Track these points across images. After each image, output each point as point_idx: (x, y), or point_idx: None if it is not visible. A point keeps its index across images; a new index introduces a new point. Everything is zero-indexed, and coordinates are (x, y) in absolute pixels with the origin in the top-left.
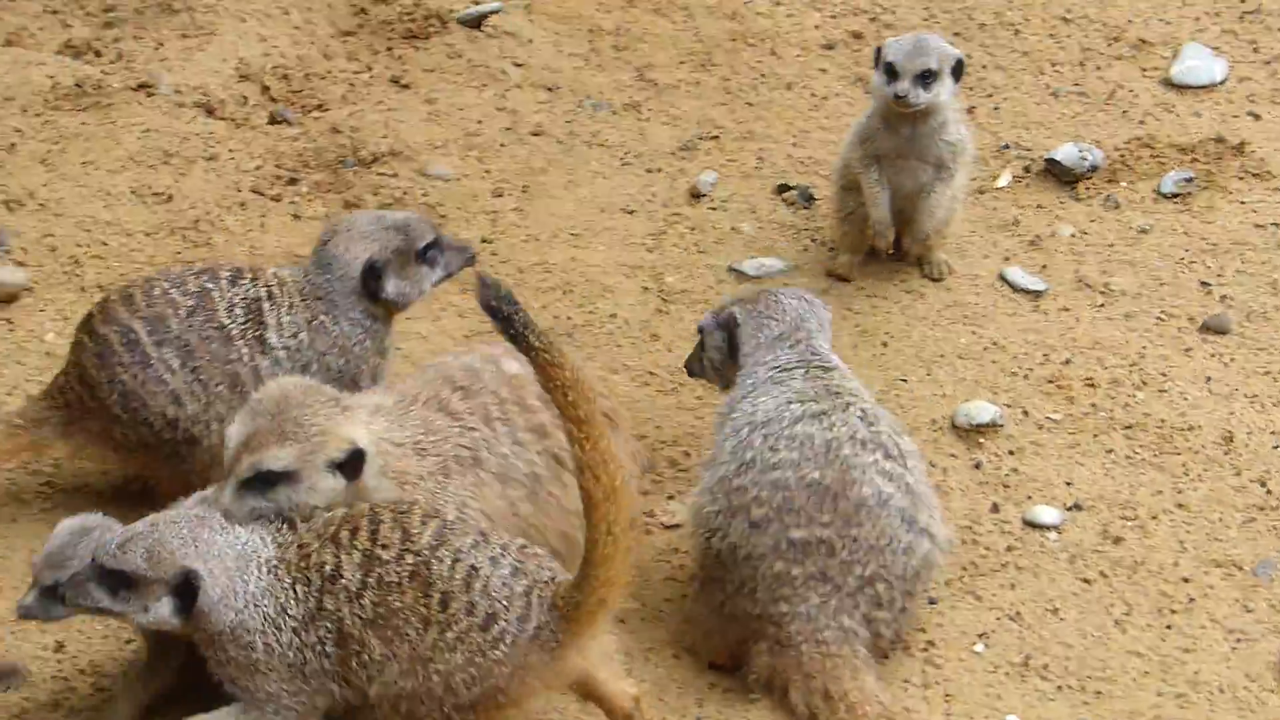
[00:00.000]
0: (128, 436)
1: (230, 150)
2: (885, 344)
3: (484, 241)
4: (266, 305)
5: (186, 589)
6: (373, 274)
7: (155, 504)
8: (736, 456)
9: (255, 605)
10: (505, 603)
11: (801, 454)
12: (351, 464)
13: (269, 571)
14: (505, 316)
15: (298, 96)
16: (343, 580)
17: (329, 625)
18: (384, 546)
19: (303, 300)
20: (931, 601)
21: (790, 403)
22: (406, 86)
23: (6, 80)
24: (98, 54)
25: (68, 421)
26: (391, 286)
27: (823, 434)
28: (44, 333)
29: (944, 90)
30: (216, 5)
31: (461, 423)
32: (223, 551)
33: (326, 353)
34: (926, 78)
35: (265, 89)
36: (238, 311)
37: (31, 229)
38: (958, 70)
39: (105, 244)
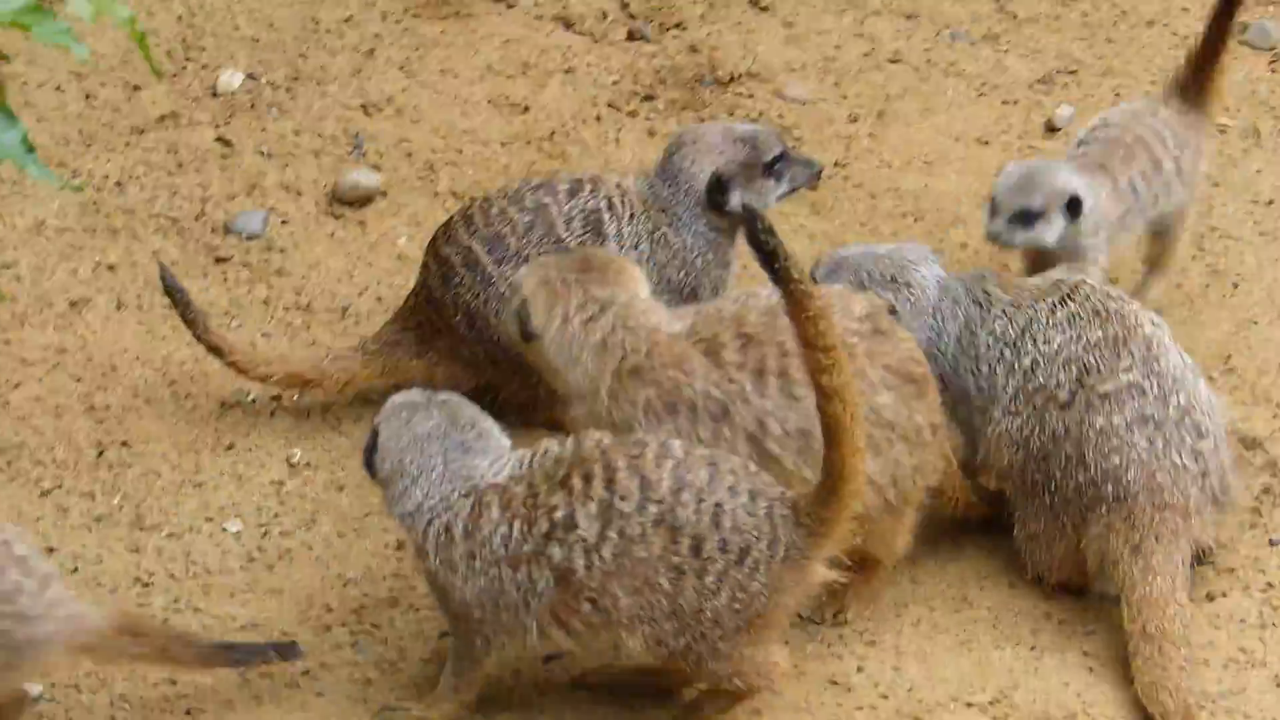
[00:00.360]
0: (475, 353)
1: (588, 64)
2: (1236, 285)
3: (836, 165)
4: (606, 216)
5: None
6: (719, 187)
7: (501, 416)
8: (1014, 371)
9: (464, 523)
10: (754, 532)
11: (1074, 328)
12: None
13: (476, 494)
14: (770, 249)
15: (656, 14)
16: (578, 531)
17: (550, 573)
18: (623, 498)
19: (645, 211)
20: (1272, 543)
21: (1034, 303)
22: (765, 8)
23: None
24: None
25: (420, 341)
26: (737, 199)
27: (1080, 306)
28: (396, 236)
29: (1051, 232)
30: None
31: (724, 372)
32: (435, 462)
33: (667, 264)
34: (1028, 219)
35: (624, 5)
36: (575, 225)
37: (388, 134)
38: (1074, 207)
39: (460, 151)
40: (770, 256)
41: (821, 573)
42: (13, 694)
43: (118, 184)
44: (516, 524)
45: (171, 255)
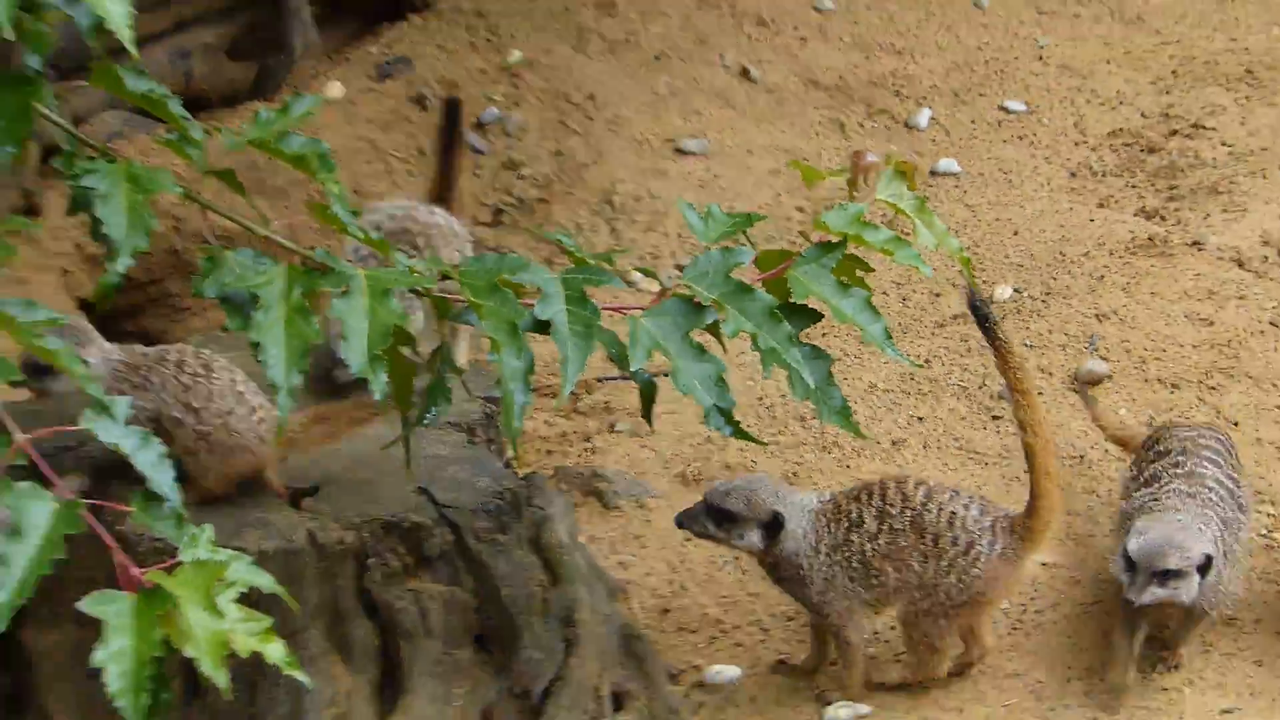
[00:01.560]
0: None
1: (1254, 293)
2: None
3: None
4: None
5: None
6: None
7: None
8: None
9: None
10: (978, 533)
11: None
12: None
13: (812, 516)
14: (985, 315)
15: None
16: (864, 526)
17: (854, 554)
18: (890, 505)
19: None
20: None
21: None
22: None
23: (1099, 231)
24: (1163, 218)
25: None
26: None
27: None
28: (1119, 408)
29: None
30: (1249, 191)
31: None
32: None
33: None
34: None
35: None
36: None
37: (1113, 335)
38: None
39: (1164, 350)
40: (985, 319)
41: (1029, 571)
42: None
43: (926, 361)
44: (831, 526)
45: (961, 412)
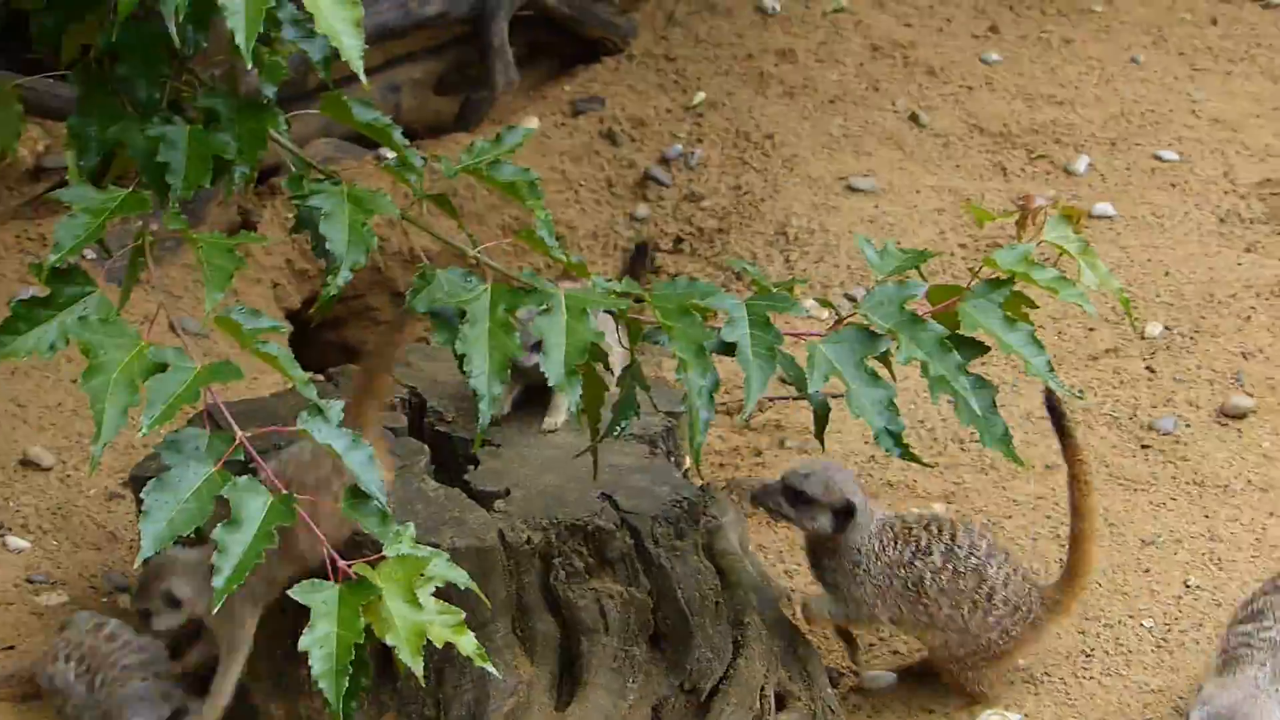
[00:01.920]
0: None
1: None
2: None
3: None
4: None
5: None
6: None
7: None
8: None
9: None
10: (1021, 597)
11: None
12: None
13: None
14: (1062, 415)
15: None
16: (931, 557)
17: (913, 577)
18: (958, 546)
19: None
20: None
21: None
22: None
23: (1246, 274)
24: None
25: None
26: None
27: None
28: (1262, 440)
29: None
30: None
31: None
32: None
33: None
34: None
35: None
36: None
37: (1258, 372)
38: None
39: None
40: (1061, 418)
41: (1050, 635)
42: None
43: (1080, 391)
44: (899, 542)
45: (1111, 440)
